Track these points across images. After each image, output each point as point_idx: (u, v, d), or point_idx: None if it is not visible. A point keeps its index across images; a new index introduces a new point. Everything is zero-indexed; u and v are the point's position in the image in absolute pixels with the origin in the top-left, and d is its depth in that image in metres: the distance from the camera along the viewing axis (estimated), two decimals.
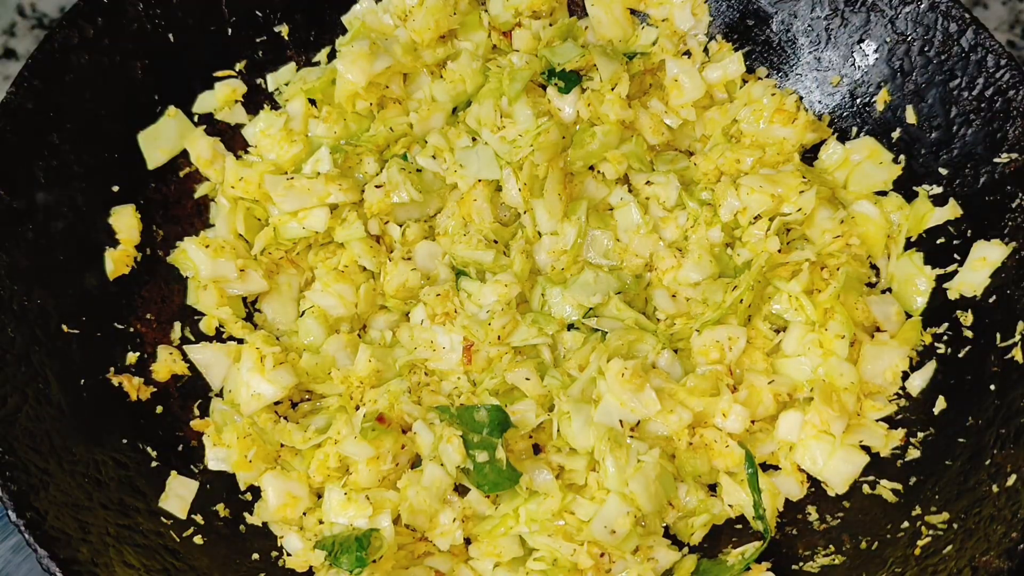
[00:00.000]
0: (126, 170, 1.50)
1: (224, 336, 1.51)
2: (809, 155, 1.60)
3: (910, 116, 1.51)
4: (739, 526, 1.41)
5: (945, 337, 1.43)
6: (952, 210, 1.45)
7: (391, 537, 1.32)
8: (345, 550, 1.28)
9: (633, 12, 1.67)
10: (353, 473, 1.36)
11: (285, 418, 1.44)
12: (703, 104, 1.60)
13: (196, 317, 1.51)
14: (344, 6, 1.64)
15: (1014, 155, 1.40)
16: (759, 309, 1.47)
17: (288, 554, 1.36)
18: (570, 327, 1.48)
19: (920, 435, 1.40)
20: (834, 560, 1.34)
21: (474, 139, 1.53)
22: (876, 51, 1.54)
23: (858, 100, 1.57)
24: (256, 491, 1.40)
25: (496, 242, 1.49)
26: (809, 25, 1.59)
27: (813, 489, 1.42)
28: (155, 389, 1.44)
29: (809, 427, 1.39)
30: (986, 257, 1.41)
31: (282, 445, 1.41)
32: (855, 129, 1.57)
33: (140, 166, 1.52)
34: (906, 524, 1.33)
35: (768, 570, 1.32)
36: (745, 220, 1.48)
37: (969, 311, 1.42)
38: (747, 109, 1.56)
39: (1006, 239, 1.40)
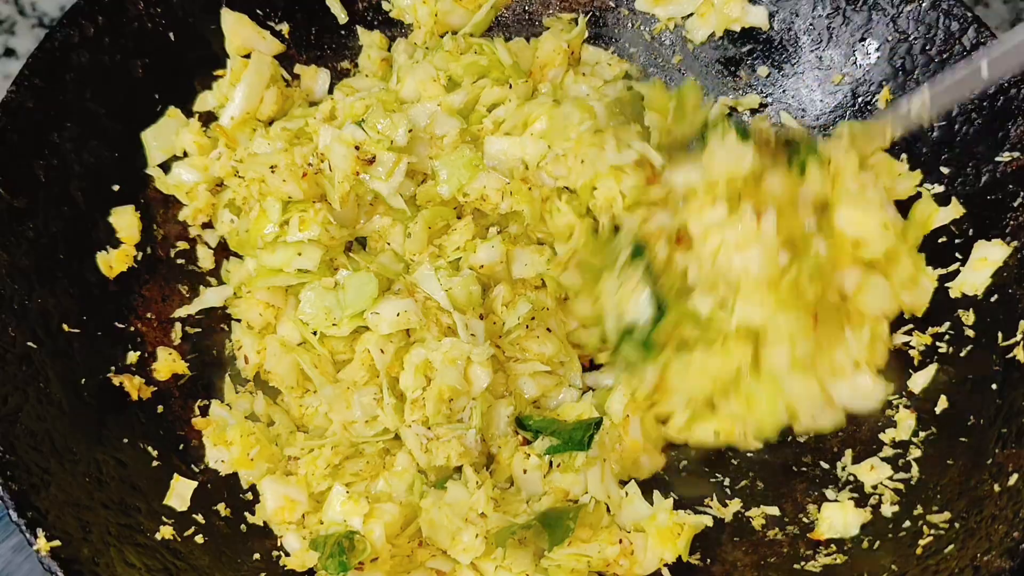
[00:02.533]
0: (126, 169, 1.50)
1: None
2: None
3: None
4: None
5: (947, 336, 1.43)
6: (954, 210, 1.45)
7: (381, 543, 1.31)
8: (330, 555, 1.28)
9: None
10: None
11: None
12: None
13: (197, 316, 1.51)
14: (344, 4, 1.64)
15: (1015, 154, 1.40)
16: None
17: (287, 554, 1.36)
18: None
19: (922, 434, 1.40)
20: (836, 559, 1.34)
21: None
22: (878, 49, 1.53)
23: (860, 99, 1.57)
24: (258, 490, 1.40)
25: None
26: (811, 23, 1.59)
27: (815, 493, 1.42)
28: (156, 388, 1.44)
29: None
30: (987, 257, 1.40)
31: (289, 458, 1.41)
32: None
33: (140, 165, 1.52)
34: (907, 523, 1.33)
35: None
36: None
37: (971, 310, 1.42)
38: None
39: (1007, 238, 1.39)
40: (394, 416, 1.39)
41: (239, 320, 1.51)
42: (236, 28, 1.55)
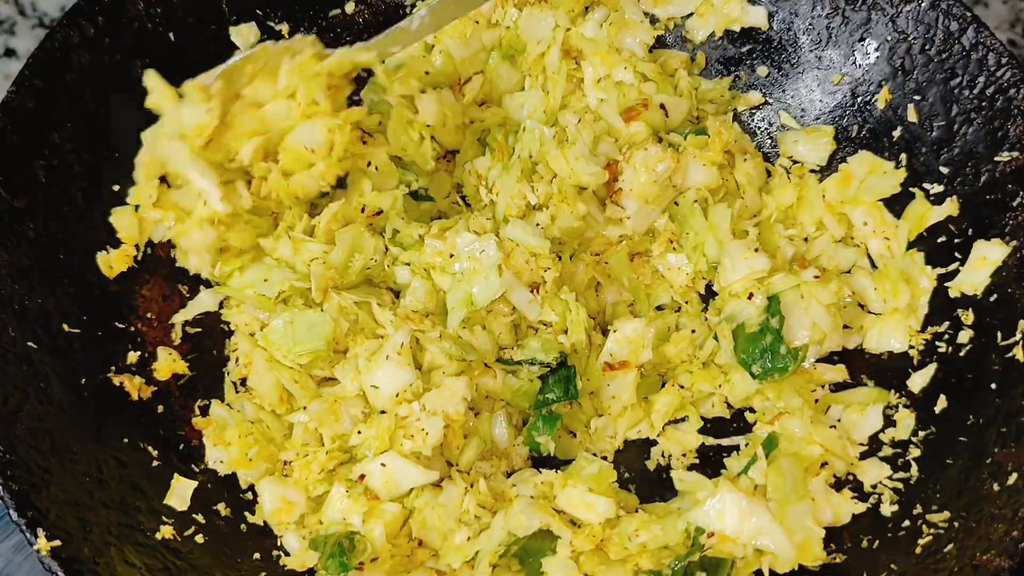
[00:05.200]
0: (126, 170, 1.49)
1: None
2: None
3: (911, 114, 1.51)
4: None
5: (946, 336, 1.43)
6: (950, 207, 1.45)
7: (381, 542, 1.31)
8: (330, 555, 1.28)
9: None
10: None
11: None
12: None
13: (197, 316, 1.51)
14: (344, 4, 1.64)
15: (1015, 154, 1.40)
16: None
17: (287, 554, 1.36)
18: None
19: (921, 434, 1.40)
20: (835, 559, 1.34)
21: None
22: (877, 49, 1.53)
23: (859, 99, 1.57)
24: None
25: None
26: (810, 23, 1.59)
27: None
28: (156, 388, 1.44)
29: None
30: (987, 256, 1.41)
31: (286, 463, 1.41)
32: (856, 128, 1.57)
33: None
34: (907, 523, 1.33)
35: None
36: None
37: (970, 310, 1.42)
38: None
39: (1007, 238, 1.40)
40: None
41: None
42: (245, 40, 1.55)
